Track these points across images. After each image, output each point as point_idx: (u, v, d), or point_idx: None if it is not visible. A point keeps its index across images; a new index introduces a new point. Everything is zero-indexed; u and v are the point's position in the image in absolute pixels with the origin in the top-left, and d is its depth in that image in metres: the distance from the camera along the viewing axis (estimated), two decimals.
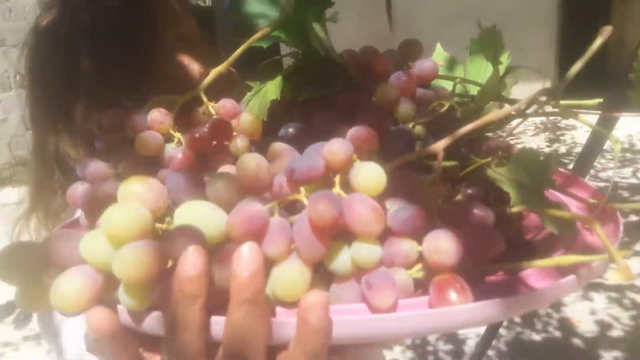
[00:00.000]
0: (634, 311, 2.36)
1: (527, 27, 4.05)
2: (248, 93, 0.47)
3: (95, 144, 0.45)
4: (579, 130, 4.61)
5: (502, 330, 2.23)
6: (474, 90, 0.51)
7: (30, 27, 0.65)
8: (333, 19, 0.47)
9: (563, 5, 4.16)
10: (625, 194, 3.59)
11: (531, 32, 4.06)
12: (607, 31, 0.32)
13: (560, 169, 0.47)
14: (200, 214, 0.27)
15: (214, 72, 0.43)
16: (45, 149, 0.65)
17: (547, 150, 4.49)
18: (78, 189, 0.42)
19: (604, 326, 2.28)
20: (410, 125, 0.42)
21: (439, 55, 0.59)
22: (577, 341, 2.22)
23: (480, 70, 0.54)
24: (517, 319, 2.36)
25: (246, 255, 0.25)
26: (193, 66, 0.67)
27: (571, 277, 0.29)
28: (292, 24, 0.43)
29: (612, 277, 0.28)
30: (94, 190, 0.39)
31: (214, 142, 0.41)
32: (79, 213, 0.57)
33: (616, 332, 2.24)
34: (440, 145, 0.33)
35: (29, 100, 0.67)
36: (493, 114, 0.33)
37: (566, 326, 2.31)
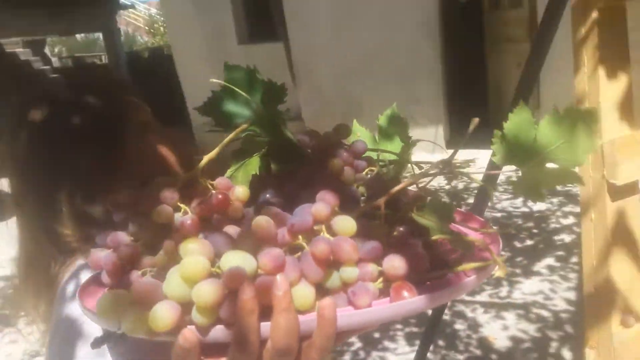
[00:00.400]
0: (539, 324, 2.67)
1: (419, 81, 4.52)
2: (229, 170, 0.62)
3: (114, 217, 0.57)
4: (474, 168, 5.11)
5: (429, 355, 2.42)
6: (389, 156, 0.70)
7: (18, 121, 0.76)
8: (287, 115, 0.64)
9: (446, 60, 4.70)
10: (519, 221, 4.04)
11: (423, 85, 4.53)
12: (475, 122, 0.52)
13: (459, 209, 0.67)
14: (239, 259, 0.42)
15: (206, 158, 0.58)
16: (35, 229, 0.74)
17: (446, 187, 4.94)
18: (99, 255, 0.54)
19: (516, 340, 2.56)
20: (354, 186, 0.59)
21: (357, 129, 0.77)
22: (494, 357, 2.47)
23: (391, 141, 0.73)
24: (442, 343, 2.59)
25: (280, 282, 0.39)
26: (158, 148, 0.80)
27: (473, 277, 0.46)
28: (263, 120, 0.59)
29: (496, 274, 0.46)
30: (119, 254, 0.52)
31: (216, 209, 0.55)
32: (84, 276, 0.67)
33: (526, 344, 2.53)
34: (381, 200, 0.50)
35: (16, 187, 0.76)
36: (410, 179, 0.51)
37: (484, 344, 2.57)
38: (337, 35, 4.66)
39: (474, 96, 5.25)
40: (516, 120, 0.51)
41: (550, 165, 0.52)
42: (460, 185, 4.92)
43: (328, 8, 4.62)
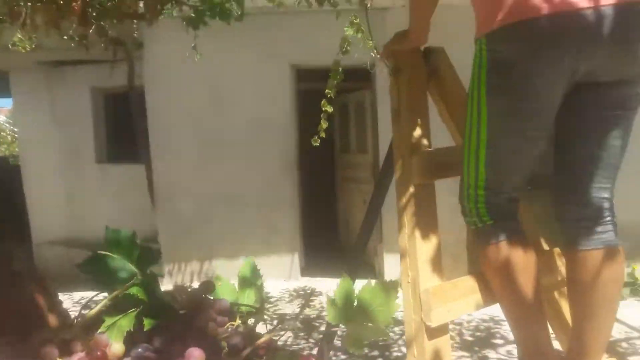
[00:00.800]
0: None
1: (278, 212, 4.79)
2: (103, 325, 0.69)
3: None
4: (325, 296, 5.34)
5: None
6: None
7: None
8: (156, 263, 0.75)
9: (303, 195, 5.09)
10: (366, 349, 4.24)
11: (281, 216, 4.81)
12: (342, 274, 0.67)
13: (304, 354, 0.80)
14: None
15: (87, 315, 0.66)
16: None
17: (300, 316, 5.05)
18: None
19: None
20: (218, 339, 0.70)
21: (220, 279, 0.89)
22: None
23: (249, 289, 0.86)
24: None
25: None
26: (31, 297, 0.84)
27: None
28: (143, 283, 0.69)
29: None
30: None
31: None
32: None
33: None
34: (244, 354, 0.62)
35: None
36: (267, 335, 0.65)
37: None
38: (202, 163, 4.83)
39: (326, 228, 5.68)
40: (342, 289, 0.68)
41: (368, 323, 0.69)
42: (314, 313, 5.09)
43: (194, 137, 4.82)
